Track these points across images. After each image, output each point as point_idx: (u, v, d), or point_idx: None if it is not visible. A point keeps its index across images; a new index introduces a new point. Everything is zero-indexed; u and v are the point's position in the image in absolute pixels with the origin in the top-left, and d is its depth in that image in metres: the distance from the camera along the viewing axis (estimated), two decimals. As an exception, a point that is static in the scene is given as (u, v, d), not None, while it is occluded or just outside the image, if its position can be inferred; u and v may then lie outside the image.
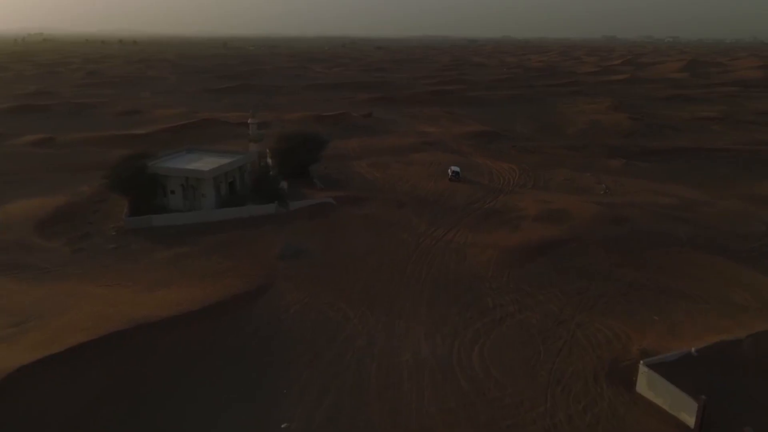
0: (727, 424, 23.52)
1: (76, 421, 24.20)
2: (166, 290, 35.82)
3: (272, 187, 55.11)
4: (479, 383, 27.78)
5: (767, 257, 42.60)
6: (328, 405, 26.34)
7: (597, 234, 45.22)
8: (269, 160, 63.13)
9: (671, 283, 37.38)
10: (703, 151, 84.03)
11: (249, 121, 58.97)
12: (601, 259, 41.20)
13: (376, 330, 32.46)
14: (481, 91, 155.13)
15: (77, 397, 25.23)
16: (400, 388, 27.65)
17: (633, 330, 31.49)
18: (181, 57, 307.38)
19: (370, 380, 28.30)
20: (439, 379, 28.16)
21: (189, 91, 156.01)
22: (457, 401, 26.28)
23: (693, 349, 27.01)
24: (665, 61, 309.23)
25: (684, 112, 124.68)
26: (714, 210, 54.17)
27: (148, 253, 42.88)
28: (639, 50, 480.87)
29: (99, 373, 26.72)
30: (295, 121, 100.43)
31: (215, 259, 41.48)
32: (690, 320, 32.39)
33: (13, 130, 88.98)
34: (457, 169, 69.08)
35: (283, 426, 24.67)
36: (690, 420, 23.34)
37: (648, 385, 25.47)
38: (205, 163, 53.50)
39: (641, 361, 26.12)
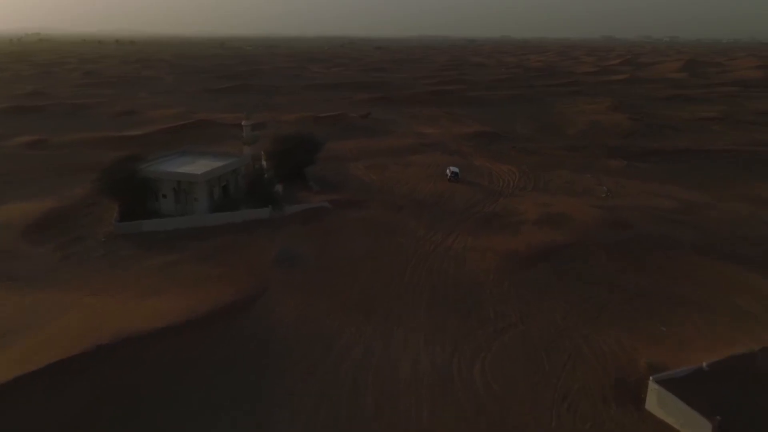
0: (741, 445, 22.35)
1: (56, 442, 22.92)
2: (156, 299, 34.50)
3: (267, 191, 53.79)
4: (480, 400, 26.55)
5: (774, 262, 41.49)
6: (323, 420, 25.14)
7: (599, 238, 44.01)
8: (264, 163, 61.80)
9: (677, 290, 36.18)
10: (704, 152, 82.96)
11: (243, 123, 57.69)
12: (604, 265, 39.99)
13: (373, 340, 31.21)
14: (481, 91, 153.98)
15: (57, 417, 23.94)
16: (398, 405, 26.41)
17: (640, 341, 30.28)
18: (178, 57, 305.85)
19: (366, 395, 27.07)
20: (438, 395, 26.92)
21: (186, 91, 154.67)
22: (456, 419, 25.06)
23: (704, 364, 25.79)
24: (664, 61, 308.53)
25: (684, 113, 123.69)
26: (717, 212, 53.07)
27: (137, 259, 41.54)
28: (637, 50, 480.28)
29: (81, 391, 25.41)
30: (292, 122, 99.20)
31: (207, 266, 40.16)
32: (698, 331, 31.18)
33: (6, 131, 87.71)
34: (456, 169, 68.01)
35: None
36: (703, 441, 22.16)
37: (658, 402, 24.26)
38: (198, 167, 52.19)
39: (651, 377, 24.90)
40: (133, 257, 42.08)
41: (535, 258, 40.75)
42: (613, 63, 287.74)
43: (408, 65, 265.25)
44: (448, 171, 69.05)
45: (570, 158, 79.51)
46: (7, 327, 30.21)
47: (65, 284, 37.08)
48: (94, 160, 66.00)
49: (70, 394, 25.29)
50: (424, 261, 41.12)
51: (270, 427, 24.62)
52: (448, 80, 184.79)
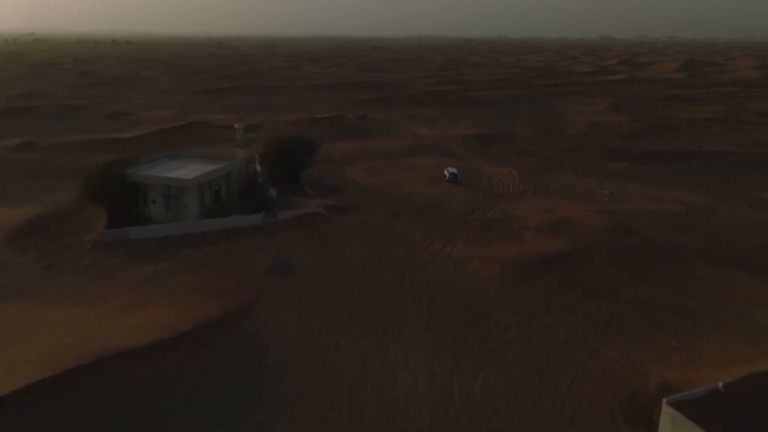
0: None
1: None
2: (140, 313, 32.85)
3: (260, 195, 52.20)
4: (482, 419, 25.08)
5: (787, 271, 40.04)
6: (316, 446, 23.61)
7: (603, 246, 42.50)
8: (258, 167, 60.16)
9: (687, 302, 34.71)
10: (705, 154, 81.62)
11: (236, 125, 56.07)
12: (609, 275, 38.49)
13: (370, 357, 29.65)
14: (479, 92, 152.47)
15: (29, 445, 22.31)
16: (396, 424, 24.97)
17: (650, 358, 28.78)
18: (175, 57, 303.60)
19: (363, 414, 25.62)
20: (438, 416, 25.41)
21: (181, 91, 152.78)
22: (458, 445, 23.51)
23: (720, 384, 24.27)
24: (662, 61, 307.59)
25: (684, 113, 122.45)
26: (722, 217, 51.66)
27: (124, 269, 39.87)
28: (635, 50, 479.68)
29: (58, 416, 23.79)
30: (288, 124, 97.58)
31: (197, 276, 38.53)
32: (712, 346, 29.70)
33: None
34: (454, 170, 66.96)
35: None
36: (722, 470, 20.66)
37: (672, 427, 22.73)
38: (189, 171, 50.53)
39: (664, 399, 23.36)
40: (119, 266, 40.41)
41: (538, 267, 39.22)
42: (611, 63, 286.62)
43: (406, 65, 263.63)
44: (446, 171, 67.86)
45: (570, 160, 78.06)
46: (-22, 345, 28.56)
47: (46, 296, 35.39)
48: (84, 164, 63.91)
49: (46, 419, 23.68)
50: (422, 270, 39.57)
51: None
52: (446, 80, 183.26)
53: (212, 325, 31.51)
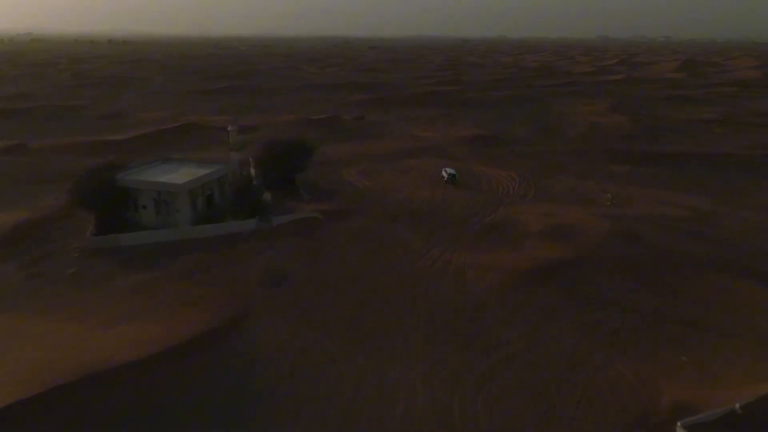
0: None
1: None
2: (125, 327, 31.38)
3: (254, 200, 50.71)
4: (485, 443, 23.63)
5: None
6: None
7: (608, 254, 41.15)
8: (252, 170, 58.63)
9: (696, 313, 33.36)
10: (708, 156, 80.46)
11: (229, 128, 54.50)
12: (615, 284, 37.12)
13: (366, 375, 28.22)
14: (478, 92, 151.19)
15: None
16: (393, 449, 23.50)
17: (660, 374, 27.41)
18: (171, 57, 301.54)
19: (358, 437, 24.13)
20: (438, 438, 23.97)
21: (176, 92, 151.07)
22: (459, 471, 22.11)
23: (737, 405, 22.96)
24: (660, 60, 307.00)
25: (684, 114, 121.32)
26: (731, 223, 50.33)
27: (111, 278, 38.37)
28: (633, 50, 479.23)
29: (31, 441, 22.32)
30: (285, 125, 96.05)
31: (186, 286, 37.04)
32: (725, 362, 28.35)
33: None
34: (452, 170, 65.97)
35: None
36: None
37: (688, 452, 21.43)
38: (181, 175, 49.01)
39: (678, 423, 22.05)
40: (106, 276, 38.88)
41: (541, 276, 37.83)
42: (609, 63, 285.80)
43: (404, 65, 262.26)
44: (444, 172, 66.78)
45: (571, 163, 76.79)
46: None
47: (29, 308, 33.90)
48: (74, 167, 62.64)
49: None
50: (420, 279, 38.13)
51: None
52: (445, 81, 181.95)
53: (199, 340, 30.04)
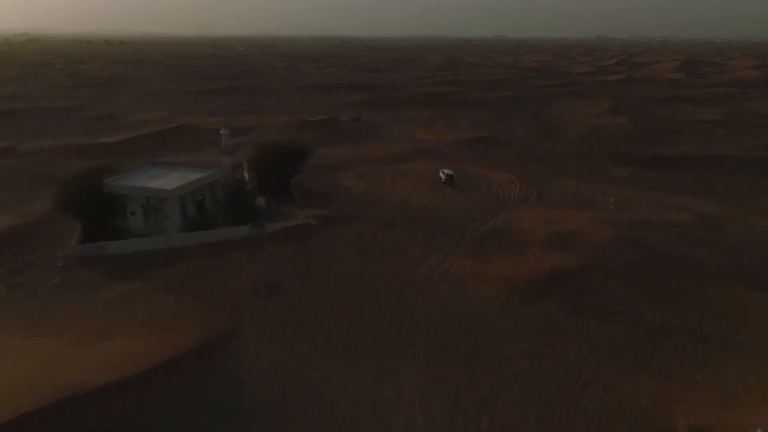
0: None
1: None
2: (108, 343, 29.72)
3: (247, 205, 49.11)
4: (488, 472, 22.06)
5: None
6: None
7: (613, 262, 39.64)
8: (246, 174, 56.98)
9: (708, 327, 31.83)
10: (711, 158, 79.04)
11: (221, 131, 52.85)
12: (622, 295, 35.58)
13: (361, 394, 26.62)
14: (477, 93, 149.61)
15: None
16: (390, 477, 21.92)
17: (674, 395, 25.87)
18: (168, 57, 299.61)
19: (352, 465, 22.55)
20: (437, 467, 22.40)
21: (172, 93, 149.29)
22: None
23: (758, 431, 21.40)
24: (660, 61, 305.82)
25: (685, 115, 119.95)
26: (738, 228, 48.84)
27: (96, 289, 36.69)
28: (632, 50, 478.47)
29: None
30: (281, 127, 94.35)
31: (174, 297, 35.38)
32: (741, 381, 26.81)
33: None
34: (449, 172, 64.87)
35: None
36: None
37: (708, 486, 19.86)
38: (171, 180, 47.32)
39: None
40: (91, 286, 37.21)
41: (545, 286, 36.28)
42: (609, 63, 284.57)
43: (403, 65, 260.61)
44: (441, 174, 65.58)
45: (572, 165, 75.30)
46: None
47: (7, 322, 32.20)
48: (63, 170, 61.02)
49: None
50: (419, 290, 36.53)
51: None
52: (443, 81, 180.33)
53: (185, 357, 28.39)
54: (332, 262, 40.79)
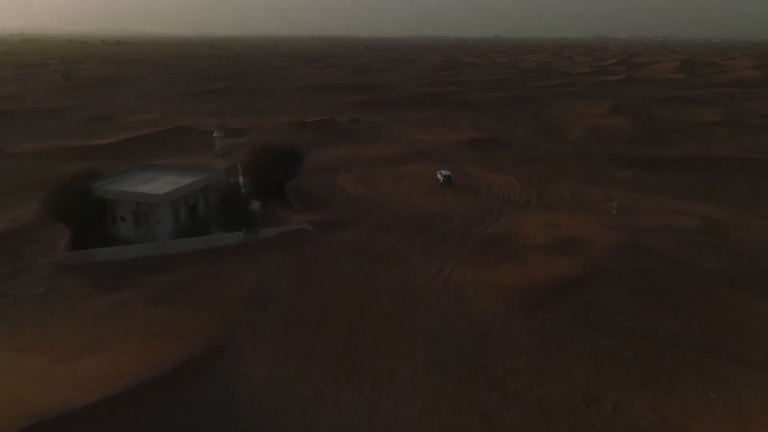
0: None
1: None
2: (92, 358, 28.41)
3: (242, 210, 47.78)
4: (491, 498, 20.79)
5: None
6: None
7: (619, 270, 38.39)
8: (241, 177, 55.63)
9: (720, 340, 30.58)
10: (714, 160, 77.86)
11: (214, 134, 51.51)
12: (629, 305, 34.33)
13: (357, 412, 25.35)
14: (476, 93, 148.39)
15: None
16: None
17: (685, 413, 24.62)
18: (165, 57, 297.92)
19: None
20: (438, 493, 21.13)
21: (168, 94, 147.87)
22: None
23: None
24: (659, 61, 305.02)
25: (686, 115, 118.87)
26: (746, 234, 47.64)
27: (83, 299, 35.37)
28: (631, 50, 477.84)
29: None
30: (277, 128, 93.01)
31: (164, 308, 34.05)
32: (756, 399, 25.55)
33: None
34: (447, 173, 64.21)
35: None
36: None
37: None
38: (162, 184, 45.99)
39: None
40: (78, 296, 35.89)
41: (548, 295, 35.02)
42: (608, 63, 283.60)
43: (401, 66, 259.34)
44: (439, 175, 64.71)
45: (573, 168, 74.09)
46: None
47: (-12, 335, 30.87)
48: (54, 174, 59.59)
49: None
50: (418, 299, 35.25)
51: None
52: (442, 81, 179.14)
53: (175, 373, 27.10)
54: (328, 270, 39.48)
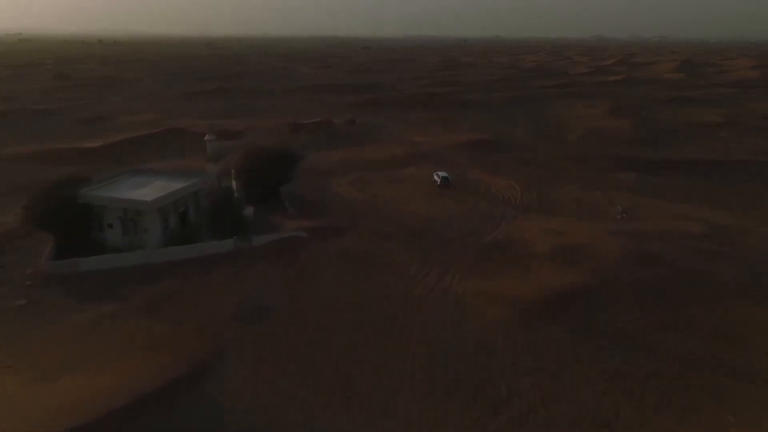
0: None
1: None
2: (72, 378, 26.70)
3: (234, 216, 46.06)
4: None
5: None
6: None
7: (626, 280, 36.78)
8: (234, 182, 53.91)
9: (733, 355, 29.01)
10: (717, 164, 76.40)
11: (206, 137, 49.76)
12: (637, 318, 32.72)
13: (352, 438, 23.70)
14: (475, 94, 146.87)
15: None
16: None
17: (703, 440, 23.04)
18: (162, 57, 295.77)
19: None
20: None
21: (163, 94, 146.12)
22: None
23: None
24: (659, 61, 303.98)
25: (687, 116, 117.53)
26: (754, 241, 46.09)
27: (64, 312, 33.63)
28: (630, 50, 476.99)
29: None
30: (272, 130, 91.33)
31: (148, 323, 32.31)
32: (778, 423, 23.99)
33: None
34: (444, 174, 63.22)
35: None
36: None
37: None
38: (151, 190, 44.25)
39: None
40: (59, 309, 34.14)
41: (553, 308, 33.39)
42: (607, 63, 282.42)
43: (400, 66, 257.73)
44: (435, 177, 63.49)
45: (575, 171, 72.56)
46: None
47: (-39, 353, 29.14)
48: (42, 177, 57.63)
49: None
50: (416, 313, 33.57)
51: None
52: (440, 82, 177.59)
53: (158, 394, 25.41)
54: (323, 280, 37.80)
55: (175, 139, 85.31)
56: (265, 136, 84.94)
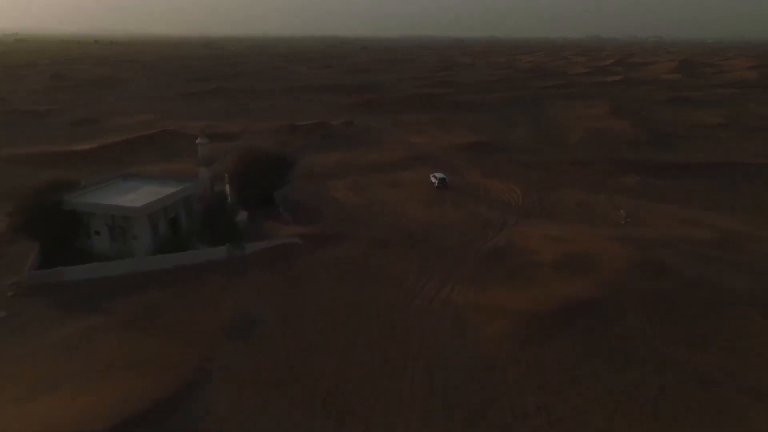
0: None
1: None
2: (50, 398, 25.16)
3: (227, 222, 44.63)
4: None
5: None
6: None
7: (633, 291, 35.31)
8: (227, 186, 52.41)
9: (749, 373, 27.60)
10: (720, 166, 75.17)
11: (198, 140, 48.22)
12: (647, 332, 31.26)
13: (347, 465, 22.23)
14: (474, 94, 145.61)
15: None
16: None
17: (721, 468, 21.63)
18: (159, 57, 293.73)
19: None
20: None
21: (159, 95, 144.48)
22: None
23: None
24: (656, 61, 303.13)
25: (687, 117, 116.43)
26: (763, 248, 44.71)
27: (46, 326, 32.09)
28: (627, 50, 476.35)
29: None
30: (267, 132, 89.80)
31: (135, 336, 30.81)
32: (800, 449, 22.61)
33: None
34: (441, 175, 62.46)
35: None
36: None
37: None
38: (141, 196, 42.72)
39: None
40: (41, 322, 32.60)
41: (558, 322, 31.92)
42: (606, 63, 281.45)
43: (398, 66, 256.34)
44: (433, 178, 62.66)
45: (576, 173, 71.18)
46: None
47: (-65, 371, 27.57)
48: (30, 182, 55.97)
49: None
50: (415, 327, 32.08)
51: None
52: (439, 83, 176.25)
53: (142, 415, 23.90)
54: (318, 291, 36.29)
55: (168, 141, 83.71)
56: (259, 138, 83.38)
